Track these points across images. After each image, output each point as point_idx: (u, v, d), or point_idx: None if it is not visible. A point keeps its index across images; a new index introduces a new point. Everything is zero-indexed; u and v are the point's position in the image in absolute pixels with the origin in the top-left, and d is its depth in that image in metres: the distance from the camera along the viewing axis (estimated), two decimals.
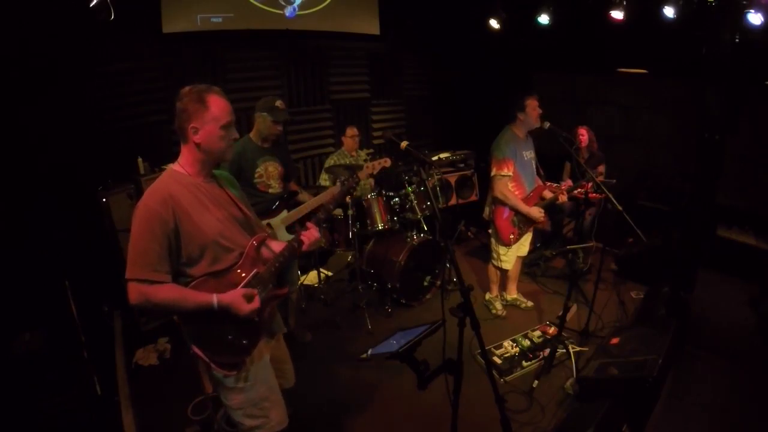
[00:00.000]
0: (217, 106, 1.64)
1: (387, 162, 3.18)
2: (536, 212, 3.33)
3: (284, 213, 2.99)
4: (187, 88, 1.65)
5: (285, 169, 3.02)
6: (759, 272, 3.89)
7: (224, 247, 1.67)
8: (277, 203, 2.96)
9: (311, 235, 1.89)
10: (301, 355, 3.19)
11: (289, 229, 3.01)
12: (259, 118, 2.86)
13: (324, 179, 4.31)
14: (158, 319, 3.54)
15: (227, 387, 1.77)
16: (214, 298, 1.58)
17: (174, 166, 1.71)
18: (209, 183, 1.73)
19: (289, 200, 3.08)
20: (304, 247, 1.88)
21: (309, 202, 3.07)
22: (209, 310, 1.58)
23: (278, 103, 2.85)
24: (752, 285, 3.90)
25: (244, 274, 1.71)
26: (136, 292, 1.53)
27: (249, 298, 1.64)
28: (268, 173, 2.90)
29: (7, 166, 3.03)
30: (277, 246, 1.89)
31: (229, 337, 1.67)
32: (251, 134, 2.92)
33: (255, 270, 1.73)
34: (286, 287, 1.91)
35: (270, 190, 2.92)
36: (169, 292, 1.55)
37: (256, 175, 2.85)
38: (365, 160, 4.50)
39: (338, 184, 3.19)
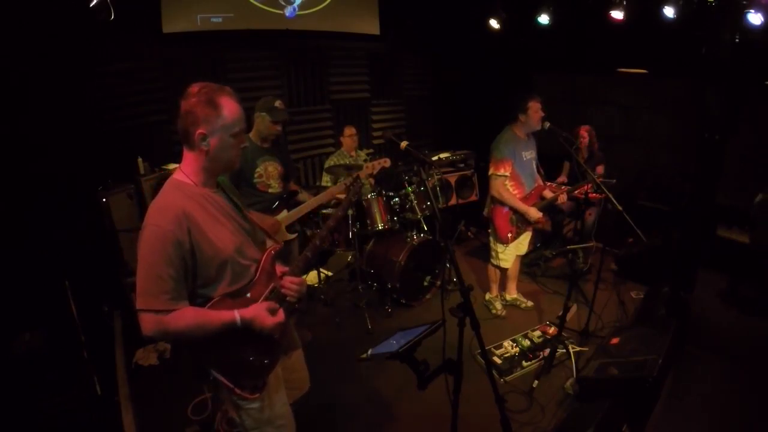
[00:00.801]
0: (230, 111, 1.47)
1: (387, 162, 3.18)
2: (534, 212, 3.33)
3: (284, 213, 2.99)
4: (196, 87, 1.46)
5: (285, 168, 3.02)
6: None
7: (241, 263, 1.54)
8: (276, 203, 2.96)
9: (290, 285, 1.67)
10: None
11: (289, 228, 3.01)
12: (259, 118, 2.87)
13: (326, 180, 4.31)
14: None
15: (246, 409, 1.63)
16: (237, 315, 1.45)
17: (177, 176, 1.52)
18: (217, 193, 1.57)
19: (289, 200, 3.08)
20: (290, 298, 1.69)
21: (309, 201, 3.08)
22: (232, 328, 1.45)
23: (277, 103, 2.85)
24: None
25: (261, 290, 1.60)
26: (152, 323, 1.38)
27: (273, 312, 1.52)
28: (268, 173, 2.91)
29: (7, 166, 3.03)
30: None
31: (251, 358, 1.55)
32: (251, 134, 2.92)
33: (272, 284, 1.62)
34: (304, 299, 1.83)
35: (270, 190, 2.92)
36: (189, 318, 1.41)
37: (255, 175, 2.85)
38: (365, 160, 4.50)
39: (340, 184, 3.20)
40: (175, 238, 1.38)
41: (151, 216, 1.42)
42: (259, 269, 1.60)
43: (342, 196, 3.14)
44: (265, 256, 1.63)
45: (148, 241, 1.39)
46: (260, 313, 1.49)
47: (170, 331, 1.39)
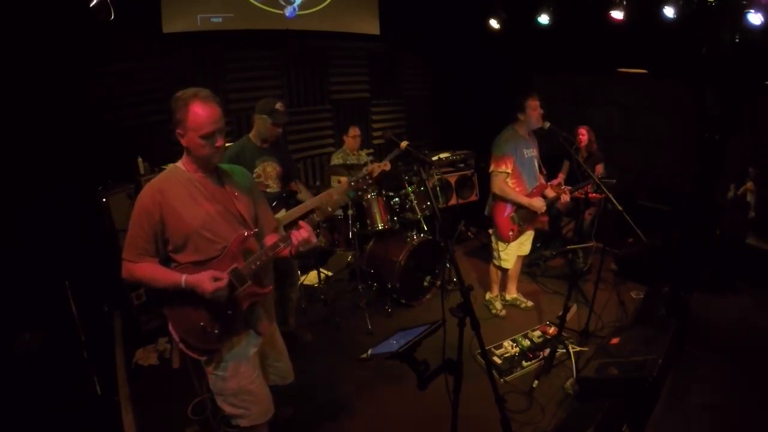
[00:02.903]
0: (198, 115, 1.69)
1: (387, 166, 3.17)
2: (538, 202, 3.31)
3: (282, 212, 3.00)
4: (179, 93, 1.72)
5: (284, 169, 3.02)
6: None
7: (206, 238, 1.75)
8: (275, 202, 2.96)
9: (299, 234, 1.84)
10: (301, 355, 3.19)
11: (288, 228, 3.01)
12: (259, 120, 2.87)
13: (335, 181, 4.30)
14: (159, 319, 3.55)
15: (207, 371, 1.90)
16: (183, 278, 1.70)
17: (178, 162, 1.84)
18: (208, 178, 1.81)
19: (288, 200, 3.08)
20: (292, 248, 1.86)
21: (308, 201, 3.07)
22: (178, 287, 1.70)
23: (278, 105, 2.85)
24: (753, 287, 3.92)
25: (223, 268, 1.77)
26: (124, 269, 1.76)
27: (215, 279, 1.70)
28: (266, 173, 2.91)
29: (7, 166, 3.03)
30: (270, 241, 1.91)
31: (201, 323, 1.77)
32: (251, 135, 2.92)
33: (234, 265, 1.79)
34: (268, 287, 1.93)
35: (268, 190, 2.92)
36: (146, 270, 1.73)
37: (254, 175, 2.85)
38: (364, 162, 4.50)
39: (339, 186, 3.20)
40: (147, 209, 1.71)
41: (140, 192, 1.78)
42: (226, 249, 1.79)
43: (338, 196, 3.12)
44: (234, 238, 1.79)
45: (133, 210, 1.76)
46: (202, 279, 1.69)
47: (134, 276, 1.75)
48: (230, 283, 1.75)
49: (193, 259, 1.76)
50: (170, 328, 1.84)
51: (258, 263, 1.82)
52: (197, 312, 1.77)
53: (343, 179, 4.19)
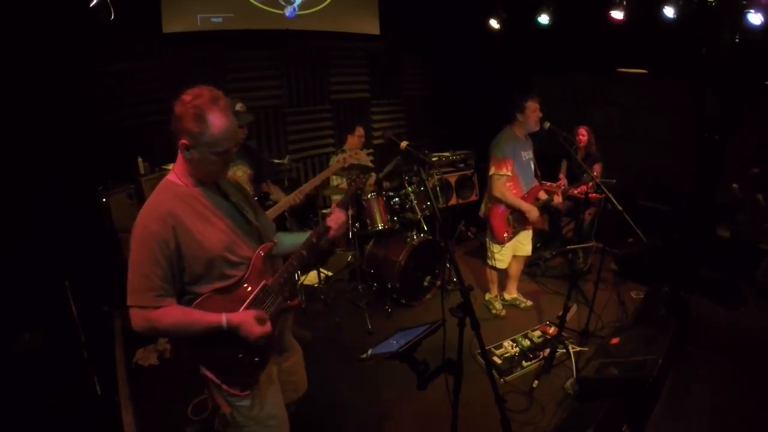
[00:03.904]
0: (218, 129, 1.43)
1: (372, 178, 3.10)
2: (535, 212, 3.32)
3: None
4: (189, 95, 1.45)
5: (255, 171, 3.00)
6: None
7: (230, 261, 1.55)
8: None
9: (338, 218, 1.80)
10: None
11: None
12: None
13: (336, 180, 4.30)
14: None
15: (236, 405, 1.65)
16: (224, 319, 1.47)
17: (169, 176, 1.57)
18: (207, 192, 1.57)
19: (263, 202, 3.06)
20: (332, 232, 1.81)
21: (281, 202, 3.05)
22: (218, 331, 1.47)
23: (239, 106, 2.79)
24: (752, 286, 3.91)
25: (250, 288, 1.60)
26: (140, 319, 1.45)
27: (261, 321, 1.52)
28: (237, 178, 2.85)
29: (7, 166, 3.03)
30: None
31: (240, 355, 1.56)
32: None
33: (263, 282, 1.62)
34: (297, 298, 1.81)
35: None
36: (174, 316, 1.45)
37: None
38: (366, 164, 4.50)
39: (310, 183, 3.22)
40: (160, 238, 1.42)
41: (140, 216, 1.47)
42: (251, 267, 1.60)
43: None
44: (255, 255, 1.62)
45: (136, 241, 1.44)
46: (247, 320, 1.50)
47: (157, 327, 1.45)
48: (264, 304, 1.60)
49: (217, 286, 1.53)
50: (203, 371, 1.55)
51: (286, 276, 1.67)
52: (234, 345, 1.54)
53: (342, 185, 4.21)
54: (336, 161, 3.23)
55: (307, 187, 3.17)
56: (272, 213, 3.00)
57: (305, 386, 2.11)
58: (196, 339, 1.50)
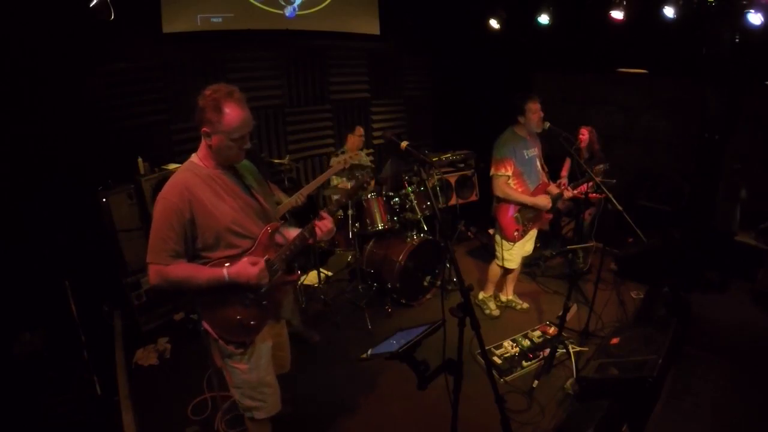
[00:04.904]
0: (232, 118, 1.67)
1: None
2: (543, 199, 3.30)
3: None
4: (210, 89, 1.68)
5: None
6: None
7: (237, 233, 1.76)
8: None
9: (323, 225, 1.92)
10: (301, 355, 3.18)
11: None
12: None
13: (336, 181, 4.30)
14: (158, 319, 3.55)
15: (233, 365, 1.89)
16: (225, 271, 1.69)
17: (192, 158, 1.80)
18: (225, 174, 1.80)
19: None
20: (318, 237, 1.94)
21: (285, 202, 3.10)
22: (221, 282, 1.69)
23: None
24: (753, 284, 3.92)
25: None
26: (155, 274, 1.68)
27: (253, 263, 1.73)
28: None
29: (7, 166, 3.03)
30: (291, 234, 1.97)
31: (238, 317, 1.79)
32: None
33: (266, 256, 1.82)
34: (296, 273, 2.00)
35: None
36: (183, 270, 1.69)
37: None
38: (366, 164, 4.50)
39: (307, 188, 3.25)
40: (177, 208, 1.66)
41: (164, 190, 1.71)
42: (257, 242, 1.82)
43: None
44: (263, 231, 1.83)
45: (158, 210, 1.69)
46: (243, 265, 1.72)
47: (169, 279, 1.68)
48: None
49: (226, 254, 1.76)
50: (206, 325, 1.83)
51: (288, 253, 1.88)
52: (233, 307, 1.79)
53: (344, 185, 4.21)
54: (337, 162, 3.25)
55: (309, 189, 3.19)
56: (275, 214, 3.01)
57: (289, 366, 2.29)
58: (201, 295, 1.75)
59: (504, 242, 3.48)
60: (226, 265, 1.72)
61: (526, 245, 3.59)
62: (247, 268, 1.71)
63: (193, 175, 1.74)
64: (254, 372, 1.91)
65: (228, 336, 1.82)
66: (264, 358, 1.94)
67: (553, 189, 3.43)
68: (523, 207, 3.34)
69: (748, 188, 4.10)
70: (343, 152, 4.47)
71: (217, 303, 1.78)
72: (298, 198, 3.18)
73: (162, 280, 1.69)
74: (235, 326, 1.81)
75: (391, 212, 3.91)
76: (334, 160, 4.44)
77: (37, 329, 2.88)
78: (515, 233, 3.39)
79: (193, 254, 1.75)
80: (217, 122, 1.66)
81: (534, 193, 3.36)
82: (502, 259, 3.52)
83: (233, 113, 1.67)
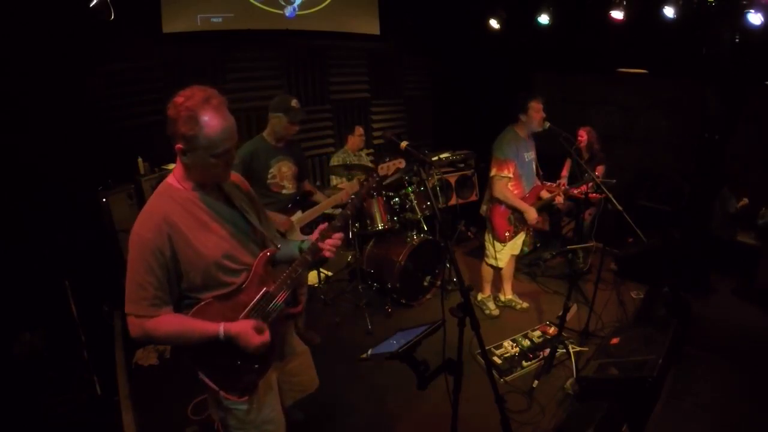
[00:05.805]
0: (213, 130, 1.35)
1: (402, 163, 3.08)
2: (533, 213, 3.32)
3: (299, 214, 2.95)
4: (180, 97, 1.37)
5: (299, 168, 2.95)
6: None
7: (228, 269, 1.50)
8: (290, 204, 2.93)
9: (332, 243, 1.64)
10: None
11: (303, 230, 2.97)
12: (275, 119, 2.77)
13: (336, 181, 4.30)
14: None
15: (232, 409, 1.61)
16: (221, 329, 1.42)
17: (169, 179, 1.49)
18: (208, 195, 1.50)
19: (303, 201, 3.03)
20: (327, 256, 1.67)
21: (324, 203, 3.03)
22: (216, 340, 1.43)
23: (293, 102, 2.76)
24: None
25: (251, 295, 1.55)
26: (136, 327, 1.42)
27: (259, 330, 1.48)
28: (282, 173, 2.83)
29: (7, 166, 3.03)
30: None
31: (238, 362, 1.52)
32: (265, 134, 2.82)
33: (264, 289, 1.56)
34: (300, 306, 1.77)
35: (284, 191, 2.86)
36: (170, 325, 1.42)
37: (269, 176, 2.78)
38: (366, 164, 4.50)
39: (355, 182, 3.17)
40: (154, 247, 1.37)
41: (136, 223, 1.42)
42: (251, 274, 1.55)
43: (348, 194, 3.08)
44: (257, 260, 1.56)
45: (132, 248, 1.40)
46: (246, 330, 1.45)
47: (153, 336, 1.43)
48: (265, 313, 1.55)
49: (216, 293, 1.49)
50: (201, 377, 1.52)
51: (289, 283, 1.60)
52: (231, 352, 1.49)
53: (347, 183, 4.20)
54: (381, 168, 3.09)
55: (349, 189, 3.08)
56: (312, 214, 2.96)
57: (314, 385, 2.08)
58: (193, 346, 1.48)
59: (495, 242, 3.49)
60: (223, 324, 1.44)
61: (515, 244, 3.60)
62: (250, 335, 1.44)
63: (170, 201, 1.43)
64: (255, 412, 1.64)
65: (230, 385, 1.54)
66: (269, 394, 1.70)
67: (545, 193, 3.46)
68: (515, 210, 3.36)
69: (745, 196, 4.09)
70: (344, 152, 4.47)
71: (213, 349, 1.47)
72: (315, 211, 3.04)
73: (145, 336, 1.43)
74: (236, 372, 1.54)
75: (391, 212, 3.91)
76: (334, 160, 4.44)
77: (37, 329, 2.88)
78: (506, 234, 3.40)
79: (178, 295, 1.48)
80: (193, 137, 1.34)
81: (528, 197, 3.39)
82: (493, 258, 3.54)
83: (213, 123, 1.34)
